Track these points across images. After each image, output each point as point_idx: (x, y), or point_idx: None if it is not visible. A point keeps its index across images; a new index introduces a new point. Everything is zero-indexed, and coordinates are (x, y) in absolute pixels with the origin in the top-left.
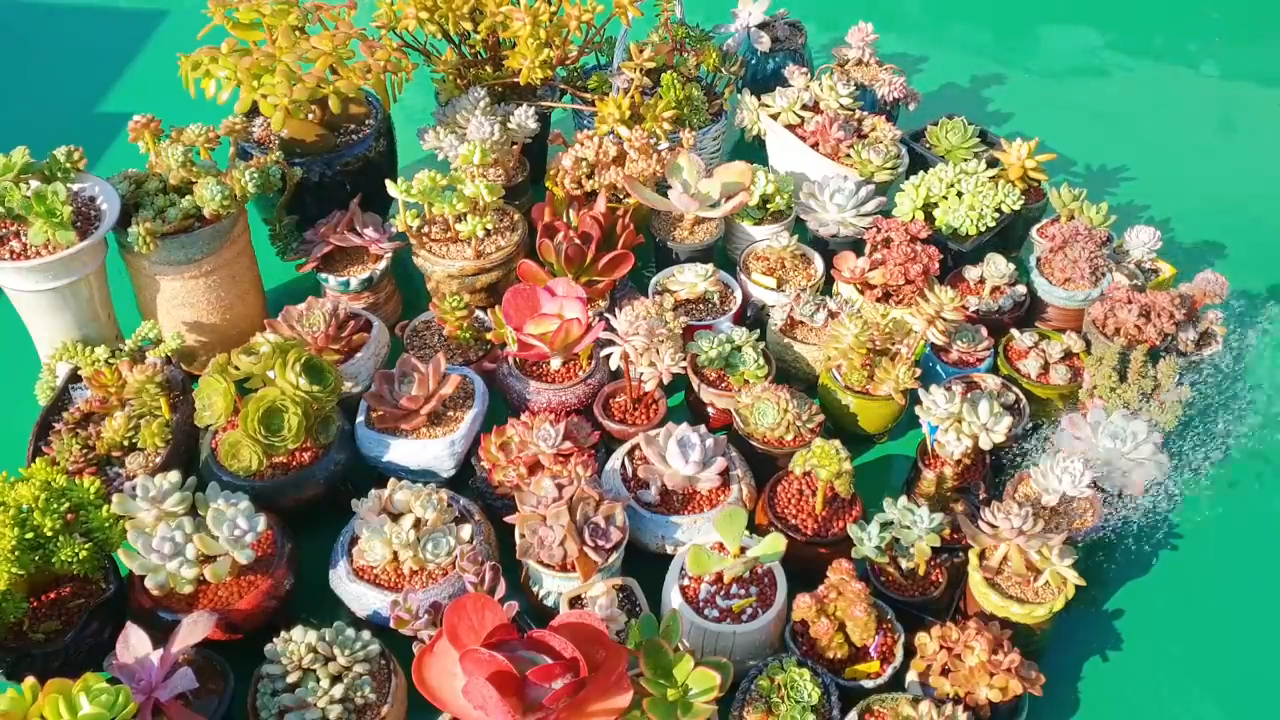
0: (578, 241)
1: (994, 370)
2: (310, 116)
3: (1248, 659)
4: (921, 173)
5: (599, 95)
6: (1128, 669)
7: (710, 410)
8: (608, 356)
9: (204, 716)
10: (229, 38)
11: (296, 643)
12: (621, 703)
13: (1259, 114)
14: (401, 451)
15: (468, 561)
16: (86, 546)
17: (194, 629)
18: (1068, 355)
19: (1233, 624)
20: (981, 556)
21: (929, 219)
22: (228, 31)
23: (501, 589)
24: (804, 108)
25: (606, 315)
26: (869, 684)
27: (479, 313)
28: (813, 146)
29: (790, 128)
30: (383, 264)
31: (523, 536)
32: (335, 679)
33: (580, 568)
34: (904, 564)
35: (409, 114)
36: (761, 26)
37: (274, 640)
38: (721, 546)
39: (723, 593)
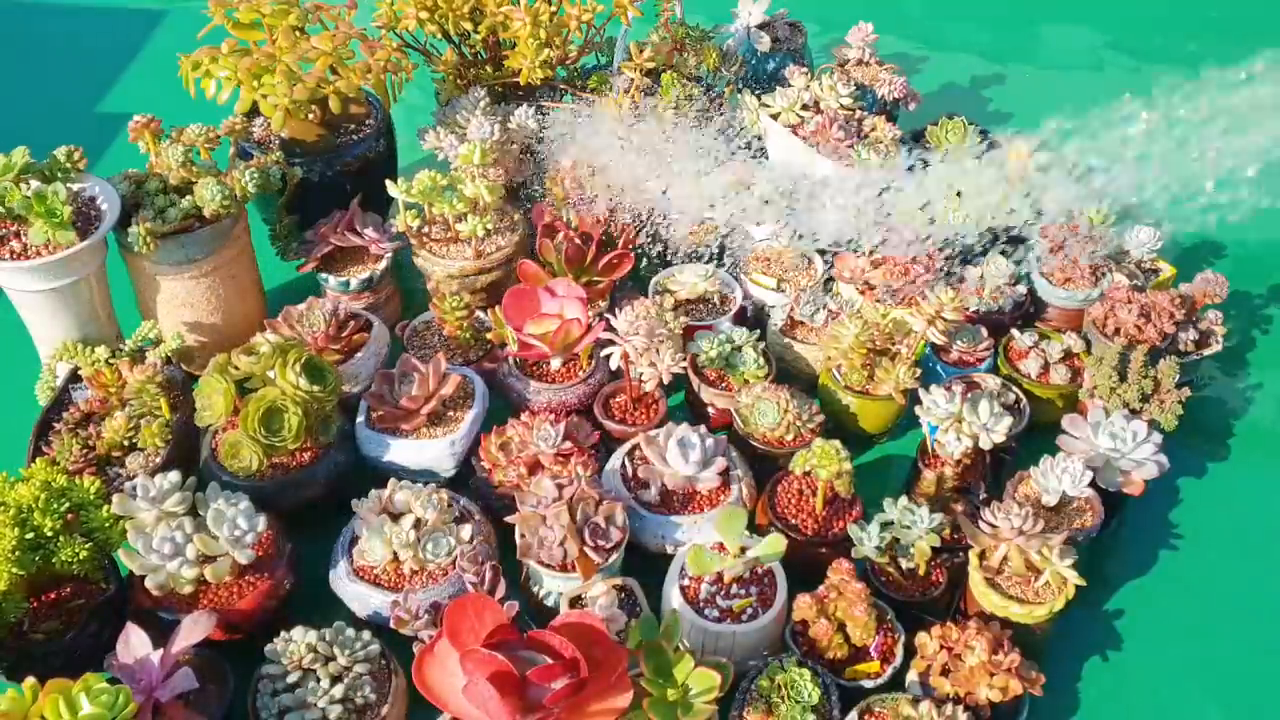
0: (578, 241)
1: (994, 370)
2: (310, 116)
3: (1248, 659)
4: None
5: (599, 95)
6: (1128, 669)
7: (710, 410)
8: (608, 356)
9: (204, 716)
10: (229, 38)
11: (296, 643)
12: (622, 703)
13: (1258, 113)
14: (401, 451)
15: (468, 561)
16: (86, 547)
17: (194, 629)
18: (1068, 355)
19: (1233, 624)
20: (981, 556)
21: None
22: (228, 31)
23: (501, 589)
24: (804, 108)
25: (606, 315)
26: (869, 684)
27: (479, 313)
28: (813, 147)
29: (790, 128)
30: (383, 264)
31: (523, 536)
32: (335, 679)
33: (580, 568)
34: (904, 564)
35: (409, 114)
36: (761, 26)
37: (274, 640)
38: (721, 546)
39: (723, 593)
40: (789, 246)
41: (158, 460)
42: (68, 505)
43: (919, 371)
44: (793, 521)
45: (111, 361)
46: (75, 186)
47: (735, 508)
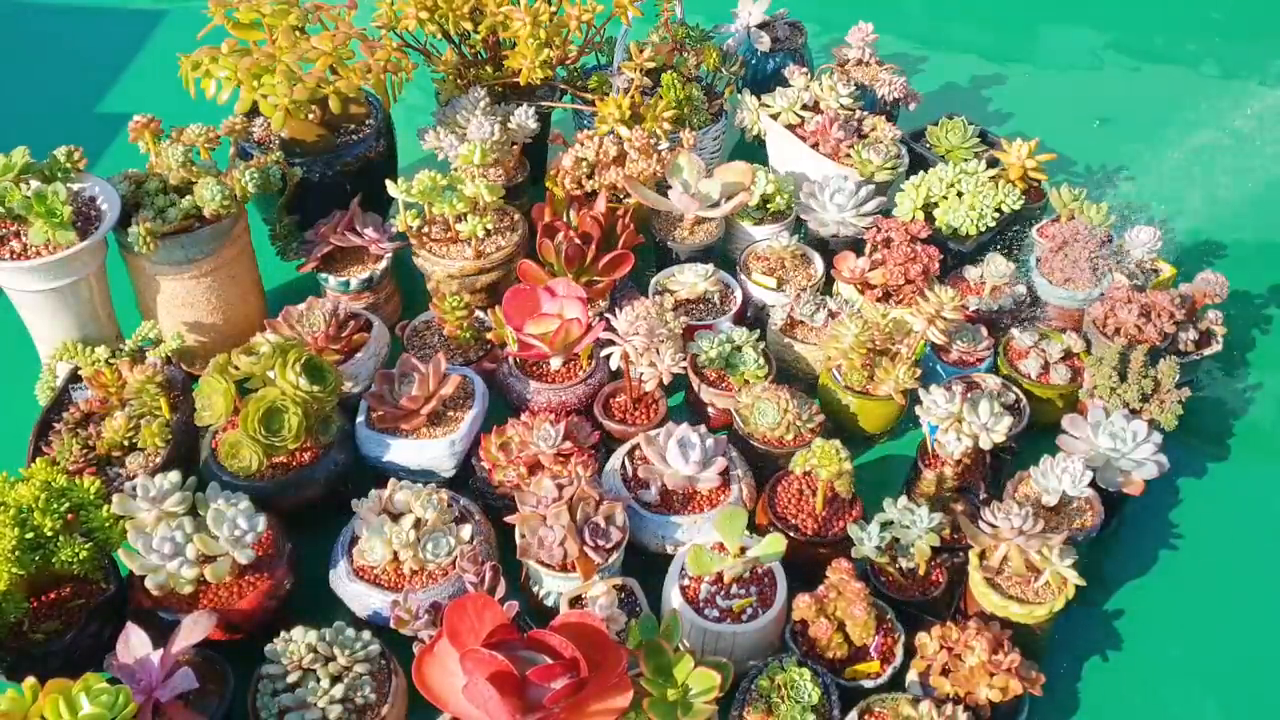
0: (578, 241)
1: (994, 370)
2: (310, 116)
3: (1248, 658)
4: (921, 173)
5: (599, 95)
6: (1128, 669)
7: (710, 410)
8: (608, 356)
9: (204, 716)
10: (229, 38)
11: (296, 643)
12: (621, 703)
13: (1259, 114)
14: (401, 451)
15: (468, 561)
16: (86, 546)
17: (194, 629)
18: (1068, 355)
19: (1233, 623)
20: (981, 556)
21: (929, 219)
22: (228, 31)
23: (501, 589)
24: (804, 108)
25: (606, 315)
26: (869, 684)
27: (479, 313)
28: (813, 146)
29: (790, 128)
30: (383, 264)
31: (523, 536)
32: (335, 679)
33: (580, 568)
34: (904, 564)
35: (409, 114)
36: (761, 26)
37: (274, 640)
38: (721, 546)
39: (723, 593)
40: (789, 246)
41: (158, 460)
42: (68, 505)
43: (919, 371)
44: (793, 521)
45: (111, 361)
46: (75, 186)
47: (735, 508)
